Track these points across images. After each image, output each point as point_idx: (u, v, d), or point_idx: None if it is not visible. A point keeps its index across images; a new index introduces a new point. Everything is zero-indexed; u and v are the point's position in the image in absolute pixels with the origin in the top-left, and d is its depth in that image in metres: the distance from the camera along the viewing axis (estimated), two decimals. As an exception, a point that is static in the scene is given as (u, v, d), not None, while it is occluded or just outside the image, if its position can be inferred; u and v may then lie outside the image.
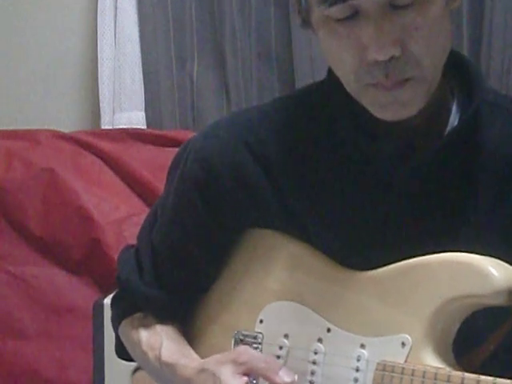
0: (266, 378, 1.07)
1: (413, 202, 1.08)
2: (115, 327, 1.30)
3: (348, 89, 1.05)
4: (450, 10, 1.03)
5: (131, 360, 1.32)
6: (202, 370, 1.12)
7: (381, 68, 0.99)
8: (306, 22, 1.05)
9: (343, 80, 1.05)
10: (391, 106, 1.02)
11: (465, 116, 1.08)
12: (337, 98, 1.10)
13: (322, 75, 1.14)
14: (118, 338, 1.31)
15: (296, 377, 1.06)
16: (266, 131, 1.15)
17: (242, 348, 1.13)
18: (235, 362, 1.08)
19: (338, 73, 1.05)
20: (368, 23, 0.98)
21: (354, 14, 0.99)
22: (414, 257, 1.04)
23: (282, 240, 1.16)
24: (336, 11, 0.99)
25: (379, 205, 1.09)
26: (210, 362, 1.13)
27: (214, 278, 1.23)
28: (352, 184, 1.10)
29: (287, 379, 1.06)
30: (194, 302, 1.25)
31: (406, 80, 1.00)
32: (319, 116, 1.14)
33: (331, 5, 0.98)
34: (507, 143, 1.09)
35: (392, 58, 0.98)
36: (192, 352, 1.20)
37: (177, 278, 1.23)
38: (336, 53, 1.02)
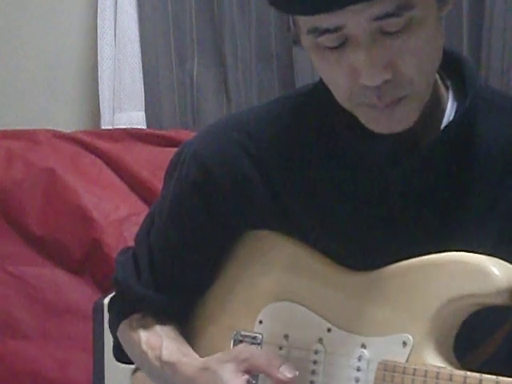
0: (267, 374, 1.07)
1: (411, 199, 1.08)
2: (113, 329, 1.29)
3: (341, 104, 1.05)
4: (440, 17, 1.01)
5: (129, 362, 1.32)
6: (204, 369, 1.12)
7: (373, 90, 0.99)
8: (297, 43, 1.05)
9: (336, 97, 1.05)
10: (385, 122, 1.02)
11: (460, 111, 1.08)
12: (332, 98, 1.09)
13: (322, 75, 1.14)
14: (116, 340, 1.31)
15: (297, 372, 1.06)
16: (262, 132, 1.15)
17: (243, 346, 1.13)
18: (236, 360, 1.08)
19: (331, 89, 1.05)
20: (358, 50, 0.97)
21: (345, 41, 0.98)
22: (414, 256, 1.04)
23: (281, 241, 1.16)
24: (326, 40, 0.98)
25: (377, 204, 1.09)
26: (212, 360, 1.12)
27: (212, 280, 1.23)
28: (349, 183, 1.10)
29: (288, 374, 1.06)
30: (193, 303, 1.25)
31: (399, 99, 1.00)
32: (315, 116, 1.14)
33: (320, 34, 0.98)
34: (503, 140, 1.09)
35: (384, 81, 0.98)
36: (192, 351, 1.20)
37: (174, 279, 1.23)
38: (328, 75, 1.03)
